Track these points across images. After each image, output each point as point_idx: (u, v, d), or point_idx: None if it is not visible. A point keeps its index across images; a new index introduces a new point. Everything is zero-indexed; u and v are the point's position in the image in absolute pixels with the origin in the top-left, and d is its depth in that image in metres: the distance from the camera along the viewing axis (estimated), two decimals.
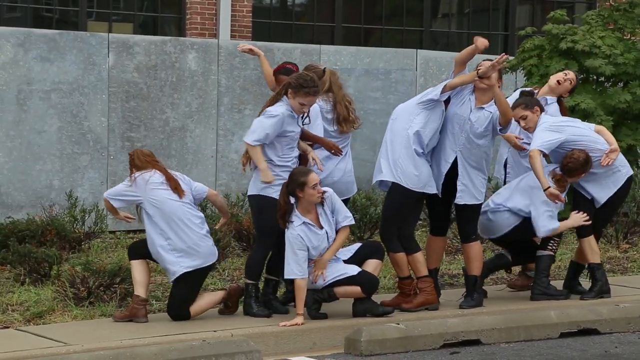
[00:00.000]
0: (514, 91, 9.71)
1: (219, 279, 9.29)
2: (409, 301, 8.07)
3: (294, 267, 7.57)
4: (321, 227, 7.68)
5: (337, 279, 7.71)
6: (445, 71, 13.16)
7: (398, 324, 7.65)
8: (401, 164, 7.94)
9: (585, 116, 12.10)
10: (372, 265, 7.81)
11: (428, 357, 7.35)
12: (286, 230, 7.61)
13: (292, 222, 7.60)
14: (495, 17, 16.55)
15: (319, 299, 7.75)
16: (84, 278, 8.28)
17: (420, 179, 7.97)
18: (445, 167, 8.06)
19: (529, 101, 8.52)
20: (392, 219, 8.03)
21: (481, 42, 7.88)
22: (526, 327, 7.89)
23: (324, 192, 7.65)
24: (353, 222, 7.83)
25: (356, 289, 7.74)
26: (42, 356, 6.72)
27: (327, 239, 7.69)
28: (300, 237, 7.57)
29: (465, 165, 8.04)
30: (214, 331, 7.36)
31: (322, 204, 7.67)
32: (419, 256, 8.09)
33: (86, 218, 10.76)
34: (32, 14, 14.48)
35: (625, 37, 12.68)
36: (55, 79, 11.68)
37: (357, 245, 7.97)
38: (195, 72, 12.32)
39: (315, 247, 7.64)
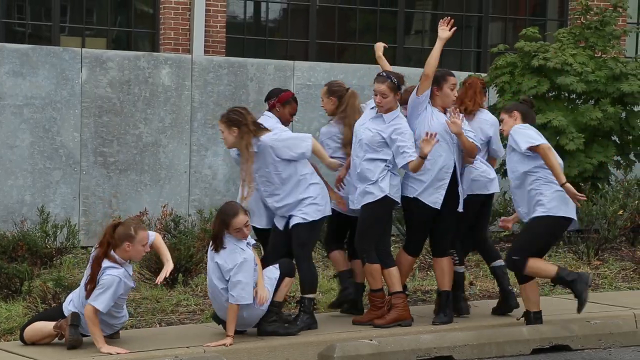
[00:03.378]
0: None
1: (192, 295, 9.26)
2: (381, 316, 8.07)
3: (251, 293, 7.53)
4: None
5: (274, 288, 7.72)
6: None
7: (371, 340, 7.65)
8: (384, 178, 7.99)
9: (557, 133, 12.19)
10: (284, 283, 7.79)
11: None
12: (241, 252, 7.53)
13: (233, 245, 7.57)
14: (468, 34, 16.65)
15: (276, 318, 7.72)
16: (55, 294, 8.24)
17: (398, 189, 8.05)
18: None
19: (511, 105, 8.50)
20: (372, 230, 8.03)
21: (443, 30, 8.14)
22: (498, 343, 7.91)
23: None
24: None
25: (286, 281, 7.75)
26: None
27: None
28: (253, 262, 7.60)
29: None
30: (187, 347, 7.34)
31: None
32: (394, 271, 8.08)
33: (58, 233, 10.70)
34: (5, 28, 14.42)
35: (596, 55, 12.79)
36: (28, 94, 11.64)
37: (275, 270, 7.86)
38: (169, 88, 12.31)
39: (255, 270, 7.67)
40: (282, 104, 8.24)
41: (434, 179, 8.01)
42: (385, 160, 7.96)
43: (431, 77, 8.01)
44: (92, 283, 7.24)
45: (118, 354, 7.08)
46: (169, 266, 7.53)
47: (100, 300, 7.18)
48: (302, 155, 7.90)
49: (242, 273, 7.49)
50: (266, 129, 7.87)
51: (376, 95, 7.94)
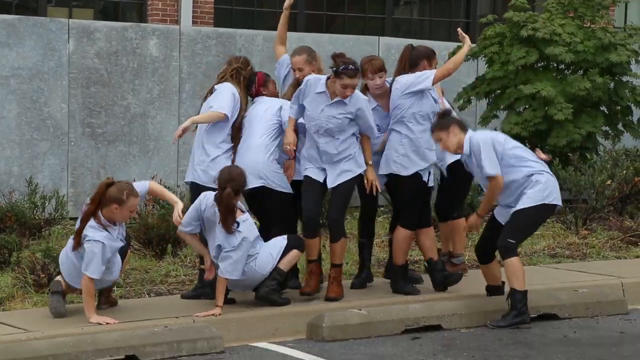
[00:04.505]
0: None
1: (181, 265, 9.27)
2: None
3: (239, 270, 7.51)
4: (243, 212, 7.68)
5: (280, 255, 7.69)
6: None
7: (360, 309, 7.68)
8: (359, 153, 8.09)
9: (546, 103, 12.21)
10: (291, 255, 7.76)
11: (390, 343, 7.39)
12: (238, 234, 7.50)
13: (238, 222, 7.53)
14: (457, 4, 16.60)
15: (277, 287, 7.71)
16: (44, 265, 8.24)
17: None
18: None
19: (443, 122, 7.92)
20: (347, 204, 8.11)
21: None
22: (486, 312, 7.94)
23: None
24: None
25: (294, 253, 7.74)
26: (2, 343, 6.67)
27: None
28: (251, 237, 7.58)
29: None
30: (176, 317, 7.35)
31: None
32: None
33: (46, 204, 10.68)
34: None
35: (585, 25, 12.78)
36: (15, 65, 11.58)
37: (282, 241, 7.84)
38: (157, 59, 12.26)
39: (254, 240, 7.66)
40: (263, 86, 8.28)
41: (424, 157, 8.09)
42: (354, 134, 7.99)
43: (452, 73, 8.19)
44: (77, 238, 7.27)
45: (107, 324, 7.09)
46: (179, 206, 7.56)
47: (92, 269, 7.19)
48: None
49: (236, 252, 7.49)
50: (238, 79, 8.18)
51: (345, 88, 7.77)
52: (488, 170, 7.71)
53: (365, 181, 8.03)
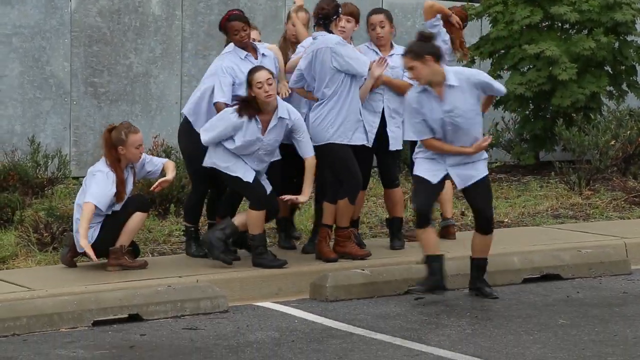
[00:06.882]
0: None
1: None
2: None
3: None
4: (264, 133, 7.63)
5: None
6: (410, 18, 13.10)
7: (363, 270, 7.69)
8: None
9: (550, 63, 12.14)
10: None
11: (392, 303, 7.40)
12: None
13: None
14: None
15: (262, 250, 7.69)
16: (47, 223, 8.25)
17: None
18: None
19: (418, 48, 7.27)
20: None
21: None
22: (489, 272, 7.92)
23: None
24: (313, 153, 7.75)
25: (257, 214, 7.66)
26: (6, 301, 6.69)
27: (262, 145, 7.63)
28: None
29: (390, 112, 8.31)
30: (179, 277, 7.36)
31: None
32: None
33: (49, 164, 10.67)
34: None
35: None
36: (17, 23, 11.52)
37: None
38: (159, 17, 12.19)
39: (245, 137, 7.57)
40: None
41: None
42: None
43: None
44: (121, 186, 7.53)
45: (88, 255, 7.32)
46: (167, 177, 7.68)
47: (94, 196, 7.39)
48: None
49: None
50: None
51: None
52: (503, 89, 7.42)
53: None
